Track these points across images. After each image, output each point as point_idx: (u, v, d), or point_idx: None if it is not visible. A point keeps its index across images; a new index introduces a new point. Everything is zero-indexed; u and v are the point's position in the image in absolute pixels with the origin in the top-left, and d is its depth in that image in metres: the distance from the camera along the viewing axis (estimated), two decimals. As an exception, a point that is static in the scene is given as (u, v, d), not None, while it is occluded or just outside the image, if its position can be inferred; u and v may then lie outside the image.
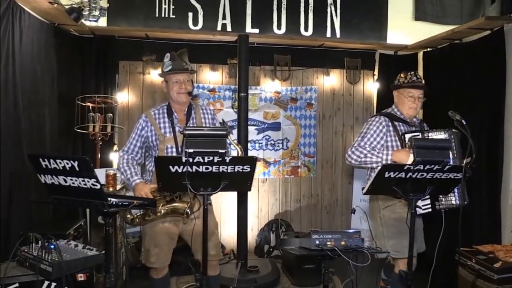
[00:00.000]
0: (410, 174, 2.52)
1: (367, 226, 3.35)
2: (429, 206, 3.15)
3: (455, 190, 3.06)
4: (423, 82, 3.39)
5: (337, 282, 4.27)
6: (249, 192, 4.56)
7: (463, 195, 3.14)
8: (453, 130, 3.14)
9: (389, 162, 3.10)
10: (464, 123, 3.01)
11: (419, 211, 3.11)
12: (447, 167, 2.54)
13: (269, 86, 5.53)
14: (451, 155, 3.02)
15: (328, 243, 2.70)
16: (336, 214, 5.79)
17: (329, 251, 2.68)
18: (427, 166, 2.50)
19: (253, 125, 5.42)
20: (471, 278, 3.44)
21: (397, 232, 3.21)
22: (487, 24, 4.20)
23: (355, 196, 5.64)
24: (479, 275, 3.38)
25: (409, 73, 3.39)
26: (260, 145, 5.53)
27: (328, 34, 5.32)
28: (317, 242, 2.70)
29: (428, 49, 5.35)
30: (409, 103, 3.33)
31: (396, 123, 3.34)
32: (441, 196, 3.08)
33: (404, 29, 5.46)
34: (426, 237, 3.49)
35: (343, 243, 2.72)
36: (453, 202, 3.12)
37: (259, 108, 5.50)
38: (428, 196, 3.02)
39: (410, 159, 2.79)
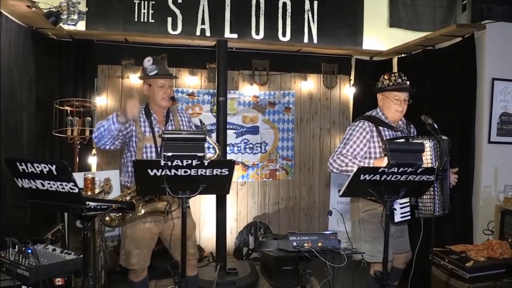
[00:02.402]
0: (384, 176, 2.57)
1: (343, 228, 3.38)
2: (409, 214, 3.07)
3: (436, 200, 3.03)
4: (408, 83, 3.26)
5: (315, 283, 4.33)
6: (228, 195, 4.59)
7: (445, 204, 3.09)
8: (443, 137, 3.05)
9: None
10: (436, 126, 3.06)
11: (397, 218, 3.03)
12: (420, 169, 2.61)
13: (247, 91, 5.58)
14: (431, 160, 3.01)
15: (306, 244, 2.75)
16: (313, 216, 5.86)
17: (307, 252, 2.72)
18: (401, 169, 2.56)
19: (231, 129, 5.46)
20: (444, 277, 3.54)
21: (374, 237, 3.19)
22: (459, 31, 4.33)
23: (332, 198, 5.72)
24: (452, 274, 3.48)
25: (393, 75, 3.27)
26: (239, 148, 5.57)
27: (306, 40, 5.42)
28: (295, 243, 2.75)
29: (402, 55, 5.48)
30: (395, 106, 3.21)
31: (380, 128, 3.23)
32: (420, 205, 3.05)
33: (379, 35, 5.61)
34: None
35: (320, 244, 2.77)
36: (433, 211, 3.03)
37: (238, 112, 5.54)
38: (407, 204, 3.06)
39: (385, 162, 2.85)
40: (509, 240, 3.75)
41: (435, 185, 2.96)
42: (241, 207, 5.63)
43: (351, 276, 3.24)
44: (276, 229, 5.64)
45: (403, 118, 3.38)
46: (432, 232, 2.89)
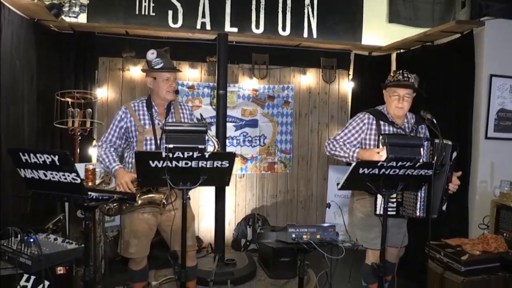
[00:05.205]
0: (383, 170, 2.62)
1: (341, 221, 3.44)
2: (394, 209, 3.13)
3: (418, 202, 3.06)
4: (412, 80, 3.31)
5: (312, 275, 4.38)
6: (226, 187, 4.65)
7: (432, 207, 3.09)
8: (447, 142, 3.05)
9: (354, 159, 3.15)
10: (435, 122, 3.11)
11: (379, 211, 3.07)
12: (418, 164, 2.65)
13: (247, 84, 5.61)
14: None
15: (304, 236, 2.80)
16: (311, 209, 5.91)
17: (305, 244, 2.77)
18: (400, 163, 2.61)
19: (231, 121, 5.49)
20: (439, 270, 3.58)
21: (364, 225, 3.32)
22: (458, 28, 4.36)
23: (329, 191, 5.77)
24: (447, 268, 3.53)
25: (398, 72, 3.35)
26: (238, 141, 5.61)
27: (305, 35, 5.45)
28: (293, 235, 2.79)
29: (401, 51, 5.50)
30: (395, 102, 3.28)
31: (381, 122, 3.32)
32: (405, 203, 3.11)
33: (378, 31, 5.64)
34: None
35: (318, 236, 2.82)
36: (416, 213, 3.08)
37: (237, 105, 5.58)
38: (394, 200, 3.13)
39: (380, 157, 2.91)
40: (504, 234, 3.80)
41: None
42: (240, 199, 5.67)
43: (348, 268, 3.27)
44: (274, 221, 5.68)
45: (409, 117, 3.45)
46: (429, 226, 2.92)
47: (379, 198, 3.04)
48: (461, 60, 4.40)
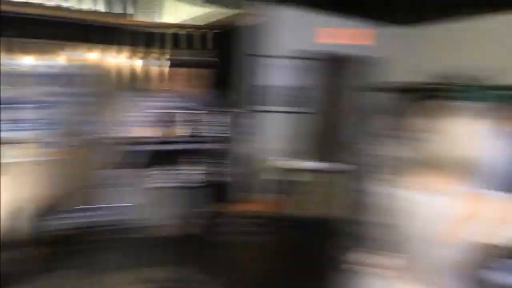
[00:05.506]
0: (155, 146, 2.64)
1: (131, 202, 3.41)
2: (199, 179, 3.31)
3: (203, 171, 3.27)
4: (187, 59, 3.54)
5: (102, 260, 4.25)
6: (9, 177, 4.40)
7: (213, 175, 3.34)
8: (225, 114, 3.33)
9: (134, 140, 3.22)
10: (230, 101, 3.22)
11: (152, 184, 3.26)
12: (187, 139, 2.71)
13: (35, 61, 5.12)
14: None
15: (91, 220, 2.74)
16: (102, 192, 5.62)
17: (91, 227, 2.70)
18: (170, 139, 2.64)
19: (24, 103, 5.03)
20: (230, 235, 3.82)
21: (153, 200, 3.43)
22: (257, 10, 4.64)
23: (119, 173, 5.60)
24: (238, 232, 3.75)
25: (173, 51, 3.45)
26: (33, 125, 5.13)
27: (100, 9, 5.23)
28: (78, 220, 2.71)
29: (211, 30, 5.50)
30: (175, 80, 3.48)
31: (165, 99, 3.45)
32: (177, 173, 3.25)
33: (189, 10, 5.57)
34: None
35: (105, 219, 2.79)
36: (202, 181, 3.35)
37: (30, 85, 5.08)
38: (199, 170, 3.20)
39: (154, 133, 2.92)
40: (281, 197, 4.16)
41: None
42: (29, 189, 5.11)
43: (145, 246, 3.25)
44: (63, 207, 5.25)
45: (195, 94, 3.62)
46: (211, 196, 3.03)
47: (167, 172, 3.09)
48: (239, 41, 4.66)
